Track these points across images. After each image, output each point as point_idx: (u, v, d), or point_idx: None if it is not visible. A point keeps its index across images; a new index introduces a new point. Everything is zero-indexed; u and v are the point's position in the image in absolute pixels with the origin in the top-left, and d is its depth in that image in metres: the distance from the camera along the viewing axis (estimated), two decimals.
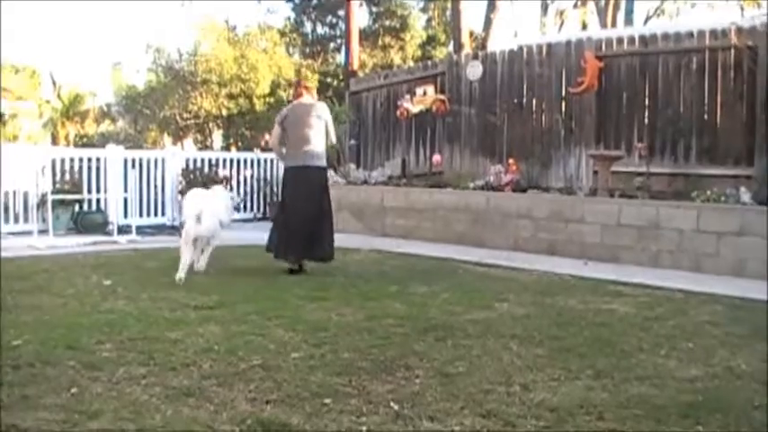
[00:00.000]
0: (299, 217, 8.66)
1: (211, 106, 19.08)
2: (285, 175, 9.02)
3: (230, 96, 19.03)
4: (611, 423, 3.98)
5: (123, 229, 12.02)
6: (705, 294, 7.64)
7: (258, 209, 15.72)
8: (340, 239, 11.51)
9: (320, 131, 8.80)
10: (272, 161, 15.87)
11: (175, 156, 14.81)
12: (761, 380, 4.75)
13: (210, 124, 20.05)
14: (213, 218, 8.40)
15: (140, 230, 12.35)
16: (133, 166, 13.58)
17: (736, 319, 6.52)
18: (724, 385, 4.66)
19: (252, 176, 15.73)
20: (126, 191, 12.94)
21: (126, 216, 12.71)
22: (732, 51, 10.82)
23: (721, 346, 5.60)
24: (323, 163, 8.89)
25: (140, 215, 13.65)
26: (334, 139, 9.13)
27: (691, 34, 11.34)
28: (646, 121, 11.74)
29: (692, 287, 7.98)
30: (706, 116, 11.20)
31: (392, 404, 4.19)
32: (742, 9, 24.20)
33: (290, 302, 6.84)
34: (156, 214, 14.25)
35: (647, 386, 4.59)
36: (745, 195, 9.40)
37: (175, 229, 12.96)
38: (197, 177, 14.30)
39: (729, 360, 5.21)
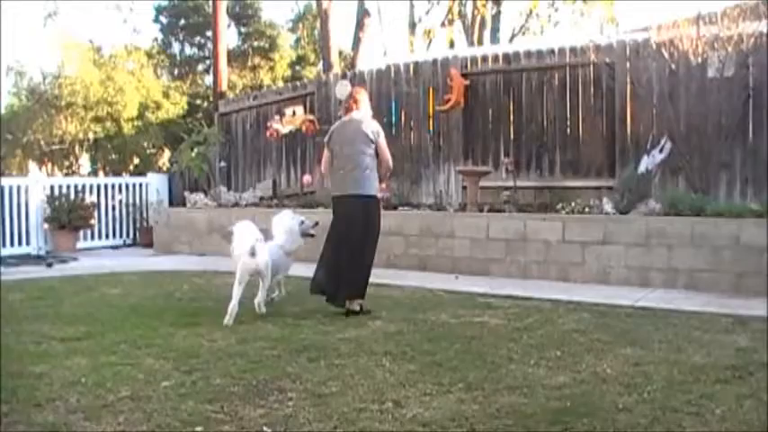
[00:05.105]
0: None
1: (77, 130, 18.55)
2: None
3: (97, 120, 18.54)
4: None
5: None
6: (572, 303, 7.89)
7: (128, 235, 15.35)
8: (208, 263, 11.36)
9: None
10: (140, 186, 15.53)
11: (38, 182, 14.31)
12: (625, 383, 4.93)
13: (77, 149, 19.48)
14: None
15: (3, 261, 11.86)
16: None
17: (601, 326, 6.75)
18: (590, 390, 4.81)
19: (121, 202, 15.35)
20: None
21: None
22: (591, 68, 11.22)
23: (588, 352, 5.78)
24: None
25: (3, 245, 13.13)
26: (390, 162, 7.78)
27: (552, 52, 11.72)
28: (511, 136, 12.01)
29: (560, 296, 8.22)
30: (568, 130, 11.57)
31: (265, 428, 4.16)
32: (602, 27, 25.10)
33: (160, 330, 6.69)
34: (20, 244, 13.71)
35: (516, 395, 4.69)
36: (608, 205, 9.74)
37: (41, 259, 12.53)
38: (63, 204, 13.88)
39: (596, 365, 5.38)
